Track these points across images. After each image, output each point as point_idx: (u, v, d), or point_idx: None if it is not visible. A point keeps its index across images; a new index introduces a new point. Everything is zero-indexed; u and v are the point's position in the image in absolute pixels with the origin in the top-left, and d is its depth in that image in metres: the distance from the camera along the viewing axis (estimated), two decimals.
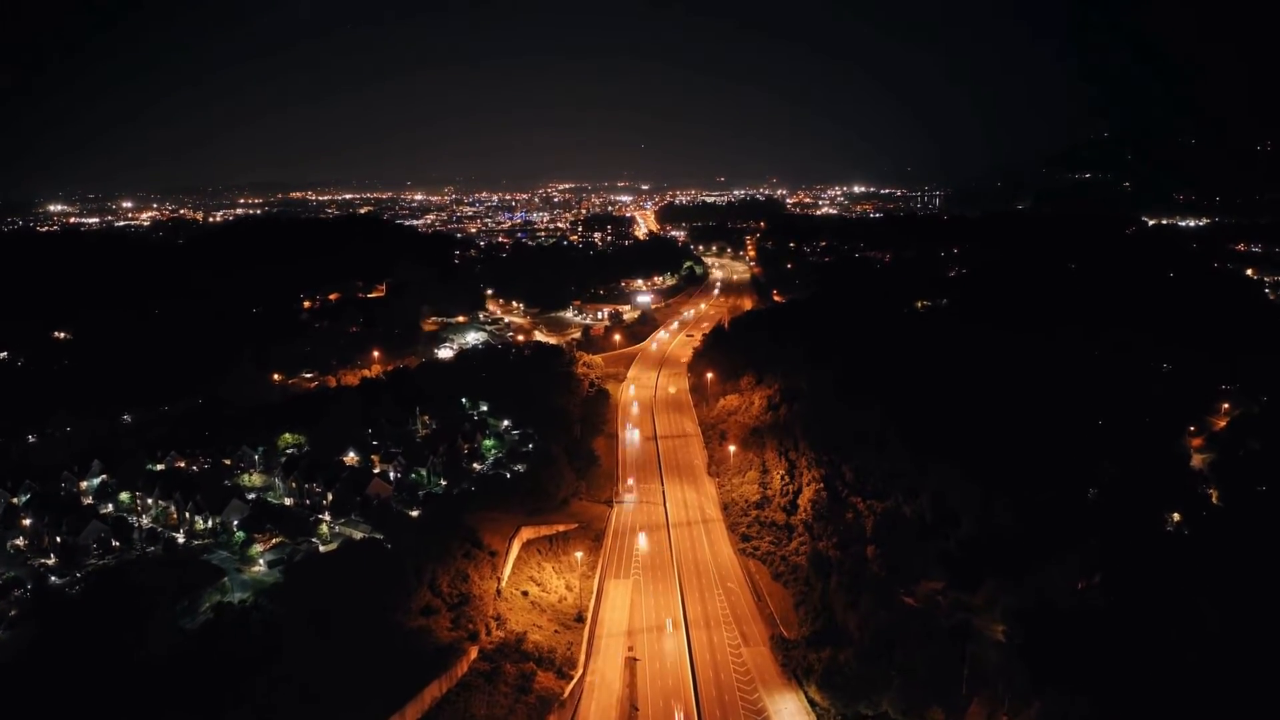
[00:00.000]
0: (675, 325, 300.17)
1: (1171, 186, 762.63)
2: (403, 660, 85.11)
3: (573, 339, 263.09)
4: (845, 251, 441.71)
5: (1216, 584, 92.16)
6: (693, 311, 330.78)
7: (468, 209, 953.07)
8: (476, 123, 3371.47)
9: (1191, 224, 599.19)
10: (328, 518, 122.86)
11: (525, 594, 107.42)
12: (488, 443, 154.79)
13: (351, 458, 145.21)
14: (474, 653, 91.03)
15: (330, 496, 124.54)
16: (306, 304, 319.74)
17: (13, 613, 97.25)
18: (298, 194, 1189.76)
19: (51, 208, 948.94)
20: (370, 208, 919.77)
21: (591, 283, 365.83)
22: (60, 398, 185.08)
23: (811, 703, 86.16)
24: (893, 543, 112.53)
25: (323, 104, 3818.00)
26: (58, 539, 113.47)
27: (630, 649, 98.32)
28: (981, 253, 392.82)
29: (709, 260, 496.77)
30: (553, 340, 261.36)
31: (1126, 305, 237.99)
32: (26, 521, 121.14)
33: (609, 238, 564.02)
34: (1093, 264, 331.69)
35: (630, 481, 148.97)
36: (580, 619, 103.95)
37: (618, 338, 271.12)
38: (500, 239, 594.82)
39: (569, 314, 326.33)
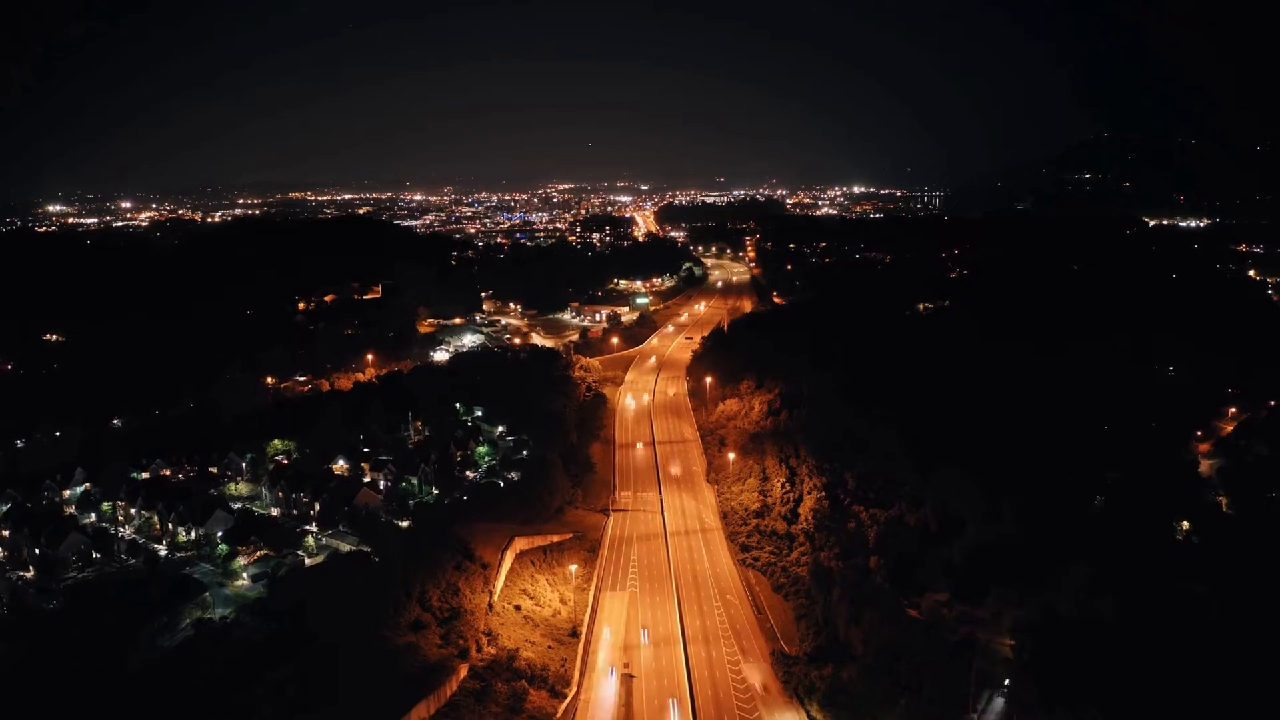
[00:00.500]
0: (674, 327, 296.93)
1: (1171, 187, 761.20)
2: (389, 679, 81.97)
3: (570, 341, 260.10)
4: (845, 252, 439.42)
5: (1229, 595, 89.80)
6: (692, 313, 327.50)
7: (467, 209, 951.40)
8: (477, 123, 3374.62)
9: (1192, 224, 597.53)
10: (314, 529, 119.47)
11: (518, 608, 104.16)
12: (481, 450, 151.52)
13: (341, 466, 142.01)
14: (464, 671, 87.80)
15: (317, 507, 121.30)
16: (301, 306, 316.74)
17: None
18: (297, 194, 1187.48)
19: (51, 208, 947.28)
20: (369, 208, 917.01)
21: (590, 284, 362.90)
22: (50, 402, 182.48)
23: None
24: (896, 553, 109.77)
25: (323, 105, 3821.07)
26: (36, 551, 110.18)
27: (626, 665, 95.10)
28: (983, 253, 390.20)
29: (708, 261, 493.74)
30: (550, 343, 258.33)
31: (1130, 307, 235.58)
32: (5, 533, 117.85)
33: (607, 238, 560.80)
34: (1095, 265, 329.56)
35: (627, 491, 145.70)
36: (575, 634, 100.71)
37: (615, 340, 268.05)
38: (499, 240, 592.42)
39: (567, 316, 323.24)
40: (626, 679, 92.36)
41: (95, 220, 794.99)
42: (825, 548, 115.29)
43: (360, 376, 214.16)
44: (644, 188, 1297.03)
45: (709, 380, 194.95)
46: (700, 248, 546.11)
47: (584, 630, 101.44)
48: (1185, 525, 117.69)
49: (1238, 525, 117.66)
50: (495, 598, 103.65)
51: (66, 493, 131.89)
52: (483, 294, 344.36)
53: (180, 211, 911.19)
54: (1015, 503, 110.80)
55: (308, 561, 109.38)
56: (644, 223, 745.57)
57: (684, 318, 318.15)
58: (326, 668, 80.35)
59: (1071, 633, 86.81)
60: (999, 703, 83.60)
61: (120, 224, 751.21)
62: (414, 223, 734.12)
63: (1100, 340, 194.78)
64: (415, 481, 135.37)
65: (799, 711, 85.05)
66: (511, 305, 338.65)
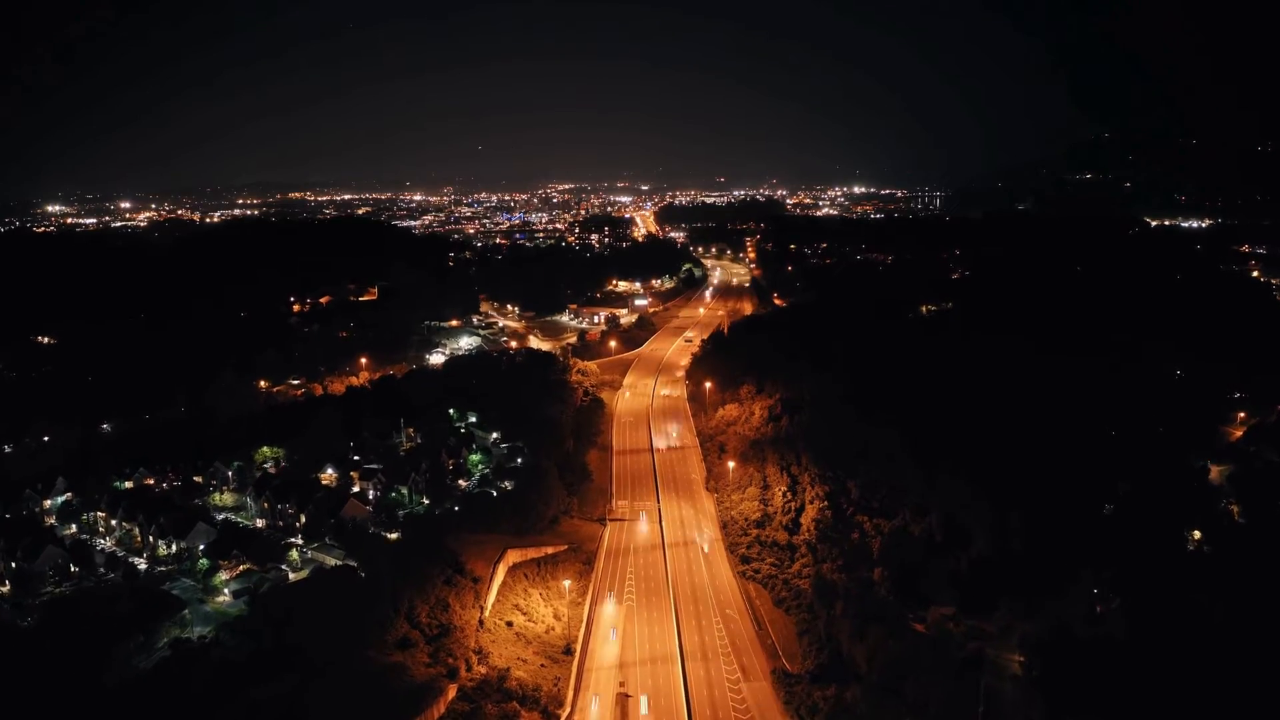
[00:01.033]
0: (673, 329, 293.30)
1: (1172, 187, 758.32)
2: (373, 702, 78.46)
3: (568, 344, 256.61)
4: (846, 253, 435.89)
5: (1242, 607, 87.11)
6: (691, 315, 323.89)
7: (466, 210, 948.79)
8: (477, 123, 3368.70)
9: (1194, 225, 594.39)
10: (299, 541, 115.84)
11: (510, 624, 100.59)
12: (474, 457, 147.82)
13: (329, 475, 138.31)
14: (452, 692, 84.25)
15: (303, 519, 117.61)
16: (296, 308, 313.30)
17: None
18: (297, 195, 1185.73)
19: (50, 208, 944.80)
20: (369, 209, 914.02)
21: (588, 286, 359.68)
22: (40, 406, 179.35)
23: None
24: (900, 564, 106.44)
25: (323, 105, 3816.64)
26: (13, 565, 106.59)
27: (622, 684, 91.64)
28: (984, 254, 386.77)
29: (708, 262, 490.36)
30: (547, 346, 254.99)
31: (1135, 309, 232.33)
32: None
33: (607, 239, 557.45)
34: (1098, 266, 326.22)
35: (624, 499, 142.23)
36: (569, 651, 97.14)
37: (614, 343, 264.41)
38: (498, 240, 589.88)
39: (565, 318, 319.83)
40: (622, 699, 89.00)
41: (94, 220, 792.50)
42: (828, 559, 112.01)
43: (354, 380, 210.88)
44: (644, 188, 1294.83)
45: (708, 385, 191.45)
46: (700, 248, 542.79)
47: (578, 647, 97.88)
48: (1196, 535, 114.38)
49: (1250, 535, 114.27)
50: (486, 613, 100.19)
51: (47, 502, 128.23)
52: (480, 295, 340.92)
53: (179, 212, 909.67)
54: (1022, 512, 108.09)
55: (291, 576, 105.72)
56: (644, 223, 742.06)
57: (683, 320, 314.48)
58: (308, 690, 76.89)
59: (1082, 649, 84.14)
60: None
61: (119, 224, 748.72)
62: (413, 223, 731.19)
63: (1105, 343, 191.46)
64: (405, 491, 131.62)
65: None
66: (509, 307, 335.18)
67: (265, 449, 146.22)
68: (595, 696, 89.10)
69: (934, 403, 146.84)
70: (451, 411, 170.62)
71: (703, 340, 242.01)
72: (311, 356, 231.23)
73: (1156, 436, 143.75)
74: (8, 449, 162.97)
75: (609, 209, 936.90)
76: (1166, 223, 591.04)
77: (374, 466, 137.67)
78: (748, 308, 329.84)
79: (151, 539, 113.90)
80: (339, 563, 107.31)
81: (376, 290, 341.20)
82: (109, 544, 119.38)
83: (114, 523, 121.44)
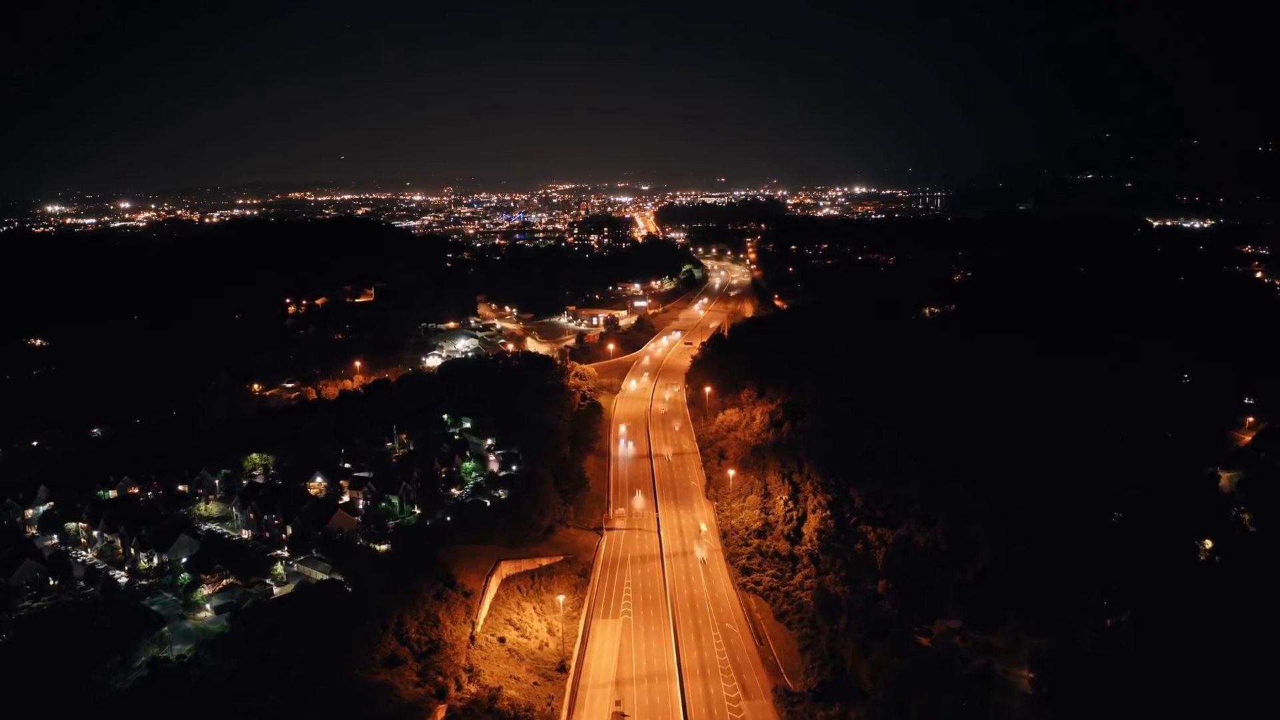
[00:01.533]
0: (673, 332, 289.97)
1: (1173, 187, 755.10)
2: None
3: (566, 347, 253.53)
4: (848, 254, 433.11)
5: (1256, 619, 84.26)
6: (691, 317, 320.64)
7: (466, 210, 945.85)
8: (477, 124, 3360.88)
9: (1196, 225, 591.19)
10: (285, 554, 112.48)
11: (502, 640, 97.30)
12: (468, 465, 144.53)
13: (318, 484, 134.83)
14: (441, 712, 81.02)
15: (290, 530, 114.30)
16: (292, 309, 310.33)
17: None
18: (297, 195, 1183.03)
19: (50, 208, 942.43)
20: (368, 209, 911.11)
21: (587, 287, 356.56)
22: (31, 409, 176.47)
23: None
24: (905, 576, 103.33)
25: (323, 105, 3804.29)
26: None
27: (618, 703, 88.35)
28: (986, 255, 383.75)
29: (708, 263, 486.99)
30: (545, 348, 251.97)
31: (1140, 311, 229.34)
32: None
33: (606, 240, 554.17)
34: (1102, 267, 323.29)
35: (622, 508, 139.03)
36: (563, 668, 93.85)
37: (612, 345, 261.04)
38: (497, 241, 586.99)
39: (563, 320, 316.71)
40: (618, 717, 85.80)
41: (93, 221, 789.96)
42: (831, 571, 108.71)
43: (348, 384, 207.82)
44: (644, 188, 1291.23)
45: (708, 389, 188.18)
46: (700, 249, 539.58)
47: (573, 664, 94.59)
48: (1208, 544, 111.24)
49: (1263, 544, 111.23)
50: (478, 629, 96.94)
51: (29, 512, 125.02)
52: (478, 297, 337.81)
53: (179, 212, 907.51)
54: (1029, 520, 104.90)
55: (276, 591, 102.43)
56: (644, 223, 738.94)
57: (683, 321, 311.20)
58: (290, 713, 73.72)
59: (1092, 665, 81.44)
60: None
61: (118, 224, 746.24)
62: (412, 223, 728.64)
63: (1110, 346, 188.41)
64: (396, 501, 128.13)
65: None
66: (507, 308, 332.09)
67: (254, 456, 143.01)
68: (590, 716, 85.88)
69: (938, 406, 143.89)
70: (446, 417, 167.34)
71: (702, 343, 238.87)
72: (306, 359, 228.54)
73: (1164, 442, 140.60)
74: None
75: (609, 209, 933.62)
76: (1169, 223, 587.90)
77: (364, 474, 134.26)
78: (748, 309, 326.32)
79: (133, 551, 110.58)
80: (326, 577, 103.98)
81: (374, 291, 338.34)
82: (90, 556, 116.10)
83: (96, 534, 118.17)
